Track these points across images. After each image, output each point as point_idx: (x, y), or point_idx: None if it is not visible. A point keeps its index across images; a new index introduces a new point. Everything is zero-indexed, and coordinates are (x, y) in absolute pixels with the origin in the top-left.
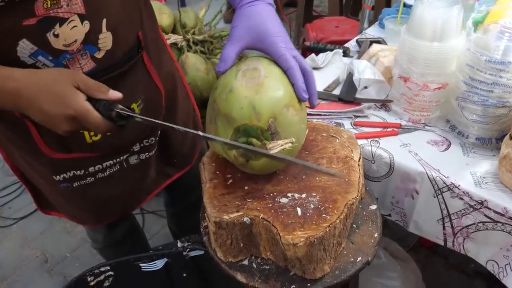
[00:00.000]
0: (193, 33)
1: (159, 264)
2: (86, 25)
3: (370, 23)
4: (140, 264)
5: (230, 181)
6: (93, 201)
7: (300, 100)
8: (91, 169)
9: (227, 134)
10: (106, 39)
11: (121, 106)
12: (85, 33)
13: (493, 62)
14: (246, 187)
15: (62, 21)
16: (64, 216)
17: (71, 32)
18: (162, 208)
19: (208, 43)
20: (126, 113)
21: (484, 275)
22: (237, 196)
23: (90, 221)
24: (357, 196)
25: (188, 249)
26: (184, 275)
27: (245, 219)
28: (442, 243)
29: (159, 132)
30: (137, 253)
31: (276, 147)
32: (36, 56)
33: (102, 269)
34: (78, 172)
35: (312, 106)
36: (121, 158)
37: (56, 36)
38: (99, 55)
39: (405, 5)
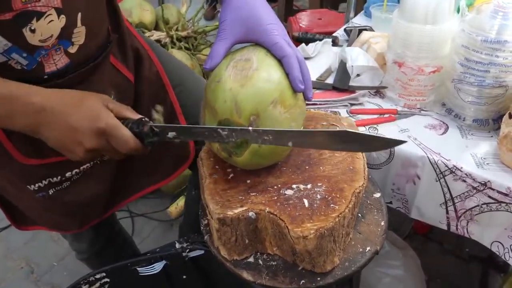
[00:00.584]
0: (176, 30)
1: (157, 267)
2: (63, 20)
3: (355, 13)
4: (138, 269)
5: (231, 175)
6: (73, 204)
7: (295, 91)
8: (68, 174)
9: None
10: (80, 34)
11: (152, 122)
12: (61, 28)
13: (489, 41)
14: (248, 181)
15: (39, 15)
16: (44, 228)
17: (48, 27)
18: (151, 211)
19: (192, 39)
20: (160, 125)
21: (479, 259)
22: (239, 190)
23: (73, 227)
24: (364, 183)
25: (187, 250)
26: (184, 277)
27: (250, 214)
28: (445, 228)
29: None
30: (132, 257)
31: None
32: (9, 54)
33: (97, 276)
34: (55, 179)
35: (307, 99)
36: (98, 159)
37: (33, 31)
38: (73, 49)
39: None
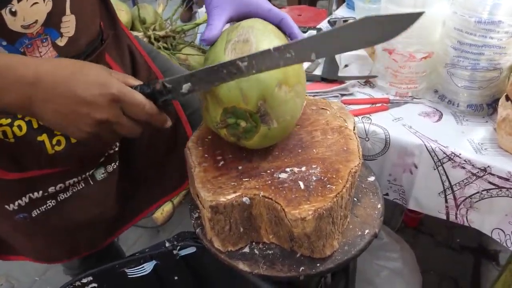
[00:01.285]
0: (154, 29)
1: (147, 267)
2: (49, 3)
3: (337, 6)
4: (126, 270)
5: (222, 162)
6: (60, 231)
7: None
8: (51, 189)
9: (217, 112)
10: (69, 23)
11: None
12: (47, 13)
13: (482, 22)
14: (240, 167)
15: None
16: (27, 259)
17: (31, 10)
18: None
19: (171, 38)
20: (172, 78)
21: (471, 249)
22: (231, 176)
23: (62, 257)
24: (359, 163)
25: (178, 247)
26: (176, 278)
27: (244, 199)
28: (444, 217)
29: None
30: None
31: None
32: None
33: (84, 280)
34: (36, 194)
35: None
36: (87, 173)
37: (14, 14)
38: (61, 42)
39: None
